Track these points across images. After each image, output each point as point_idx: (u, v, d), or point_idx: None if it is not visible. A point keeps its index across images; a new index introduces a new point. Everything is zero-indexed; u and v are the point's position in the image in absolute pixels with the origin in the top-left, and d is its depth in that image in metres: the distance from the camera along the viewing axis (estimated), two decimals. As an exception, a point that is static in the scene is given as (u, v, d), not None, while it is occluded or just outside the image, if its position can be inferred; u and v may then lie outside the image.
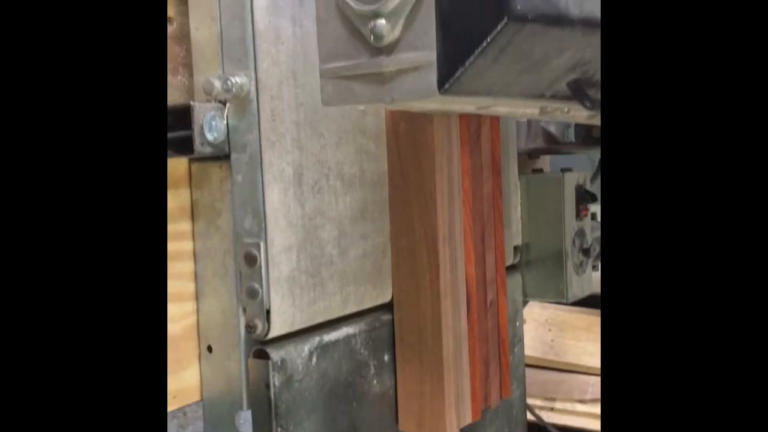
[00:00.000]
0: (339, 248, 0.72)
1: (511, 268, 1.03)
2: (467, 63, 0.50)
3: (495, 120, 0.89)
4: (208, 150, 0.61)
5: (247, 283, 0.63)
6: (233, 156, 0.63)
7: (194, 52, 0.64)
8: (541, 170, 1.12)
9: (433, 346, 0.81)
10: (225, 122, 0.62)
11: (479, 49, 0.49)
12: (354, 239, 0.74)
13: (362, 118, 0.74)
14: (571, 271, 1.03)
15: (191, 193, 0.66)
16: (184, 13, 0.64)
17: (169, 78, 0.64)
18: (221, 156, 0.63)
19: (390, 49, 0.52)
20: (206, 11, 0.62)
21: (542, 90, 0.63)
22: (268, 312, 0.63)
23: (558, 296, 1.02)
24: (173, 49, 0.64)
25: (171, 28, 0.64)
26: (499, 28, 0.48)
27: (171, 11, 0.64)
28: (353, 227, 0.74)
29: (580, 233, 1.05)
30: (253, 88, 0.61)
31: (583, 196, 1.04)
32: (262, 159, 0.62)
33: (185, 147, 0.60)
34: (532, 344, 1.93)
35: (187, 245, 0.67)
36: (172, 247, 0.65)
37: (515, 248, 1.03)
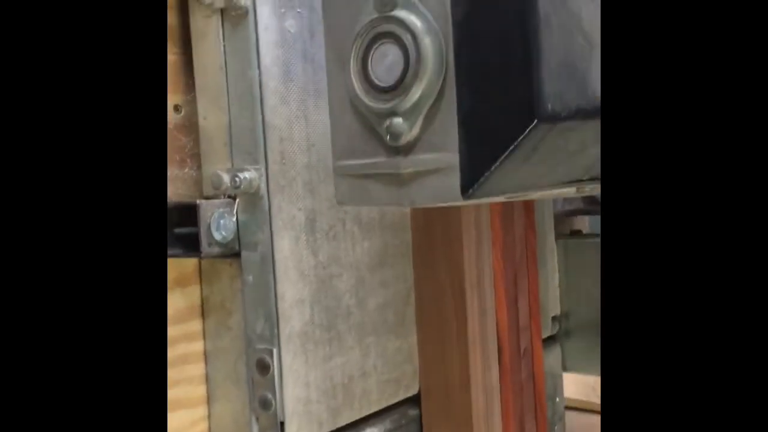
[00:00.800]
0: (357, 298, 0.66)
1: (549, 340, 0.97)
2: (493, 167, 0.45)
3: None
4: (216, 250, 0.57)
5: (259, 392, 0.58)
6: (243, 254, 0.58)
7: (202, 142, 0.60)
8: (579, 231, 1.06)
9: (461, 401, 0.75)
10: (234, 219, 0.57)
11: (506, 153, 0.44)
12: (373, 287, 0.68)
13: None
14: (614, 343, 0.96)
15: (201, 289, 0.62)
16: (192, 101, 0.60)
17: (176, 170, 0.60)
18: (231, 254, 0.59)
19: (408, 149, 0.48)
20: (214, 101, 0.59)
21: (579, 176, 0.57)
22: (282, 424, 0.57)
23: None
24: (180, 140, 0.60)
25: (178, 117, 0.60)
26: (527, 131, 0.43)
27: (179, 99, 0.60)
28: (372, 275, 0.68)
29: (624, 301, 0.98)
30: (263, 184, 0.57)
31: (625, 262, 0.98)
32: (271, 204, 0.58)
33: (193, 246, 0.56)
34: (574, 387, 1.85)
35: (198, 345, 0.62)
36: (182, 349, 0.61)
37: (553, 318, 0.97)
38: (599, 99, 0.47)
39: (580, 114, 0.46)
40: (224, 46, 0.57)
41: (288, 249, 0.59)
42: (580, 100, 0.46)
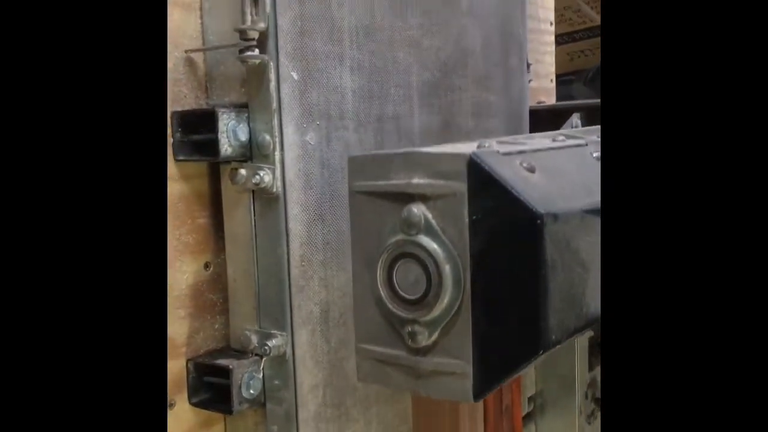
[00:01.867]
0: None
1: (526, 418, 1.06)
2: (503, 380, 0.52)
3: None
4: (245, 407, 0.63)
5: None
6: (269, 407, 0.65)
7: (231, 301, 0.66)
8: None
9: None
10: (261, 376, 0.64)
11: (515, 371, 0.51)
12: None
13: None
14: (583, 423, 1.05)
15: (225, 426, 0.69)
16: (222, 263, 0.66)
17: (208, 328, 0.66)
18: (258, 405, 0.65)
19: (426, 351, 0.55)
20: (244, 269, 0.64)
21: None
22: None
23: (571, 450, 1.05)
24: (210, 298, 0.66)
25: (207, 273, 0.66)
26: (532, 360, 0.50)
27: (208, 258, 0.66)
28: None
29: (593, 383, 1.07)
30: (289, 349, 0.63)
31: (596, 350, 1.07)
32: (292, 304, 0.64)
33: (222, 399, 0.63)
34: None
35: (221, 476, 0.69)
36: (207, 482, 0.67)
37: (529, 399, 1.06)
38: (591, 315, 0.55)
39: (576, 332, 0.53)
40: (255, 221, 0.63)
41: (306, 342, 0.64)
42: (577, 323, 0.53)
